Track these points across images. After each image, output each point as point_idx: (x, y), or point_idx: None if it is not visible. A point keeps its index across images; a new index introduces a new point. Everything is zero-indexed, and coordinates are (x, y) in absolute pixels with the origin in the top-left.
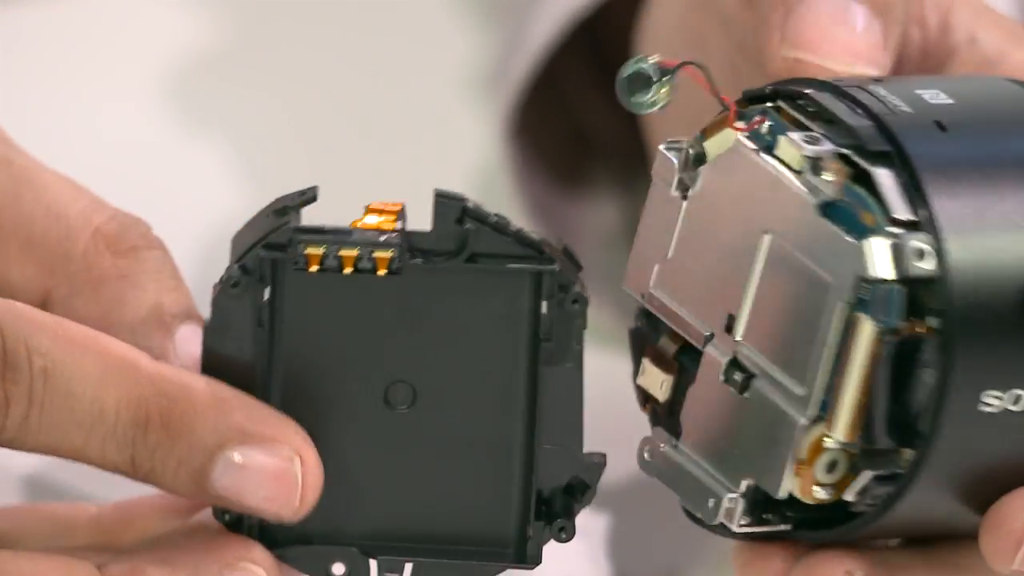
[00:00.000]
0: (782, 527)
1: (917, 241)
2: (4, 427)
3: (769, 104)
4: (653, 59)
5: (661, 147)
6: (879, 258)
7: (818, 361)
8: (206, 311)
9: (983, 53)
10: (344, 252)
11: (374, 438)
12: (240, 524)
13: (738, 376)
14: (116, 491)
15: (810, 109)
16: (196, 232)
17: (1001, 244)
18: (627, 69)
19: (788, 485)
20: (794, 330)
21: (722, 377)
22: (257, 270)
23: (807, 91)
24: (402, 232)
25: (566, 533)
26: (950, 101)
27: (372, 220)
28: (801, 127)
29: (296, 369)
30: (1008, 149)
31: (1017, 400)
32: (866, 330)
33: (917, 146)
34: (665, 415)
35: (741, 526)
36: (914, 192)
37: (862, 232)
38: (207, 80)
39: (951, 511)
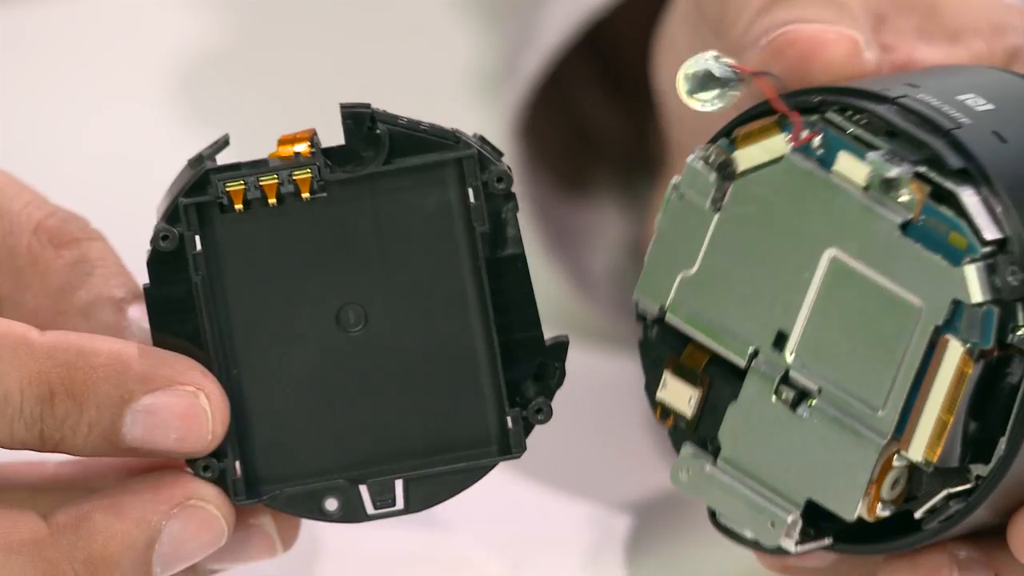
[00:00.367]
0: (825, 541)
1: (1009, 261)
2: None
3: (816, 115)
4: (724, 60)
5: (690, 159)
6: (980, 283)
7: (898, 381)
8: None
9: None
10: (264, 181)
11: (336, 365)
12: (224, 479)
13: (790, 394)
14: None
15: (860, 120)
16: None
17: None
18: (692, 65)
19: (862, 506)
20: (865, 349)
21: (772, 395)
22: (183, 220)
23: (860, 102)
24: (317, 151)
25: (542, 414)
26: (991, 106)
27: (286, 150)
28: (857, 140)
29: (245, 312)
30: None
31: None
32: (955, 351)
33: (991, 162)
34: (691, 430)
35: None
36: (994, 209)
37: (954, 255)
38: (209, 80)
39: (996, 514)
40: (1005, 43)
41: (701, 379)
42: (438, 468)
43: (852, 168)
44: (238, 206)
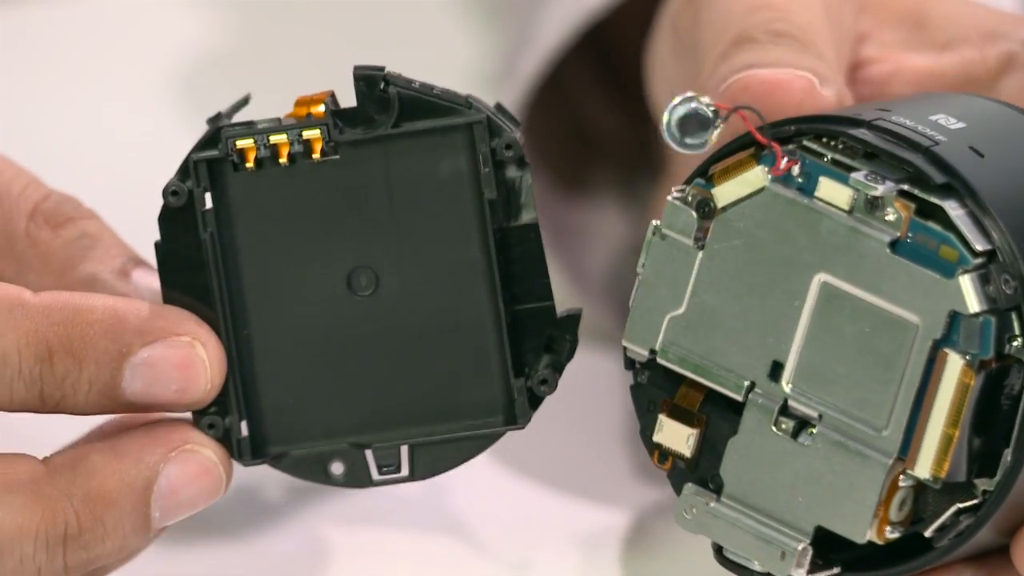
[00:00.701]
0: (835, 570)
1: (1001, 270)
2: None
3: (792, 144)
4: (704, 100)
5: (670, 198)
6: (976, 293)
7: (900, 400)
8: None
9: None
10: (274, 139)
11: (345, 328)
12: (228, 437)
13: (790, 423)
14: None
15: (836, 145)
16: None
17: None
18: (679, 110)
19: (871, 529)
20: (863, 370)
21: (772, 426)
22: (194, 175)
23: (835, 127)
24: (329, 111)
25: (547, 385)
26: (963, 124)
27: (302, 110)
28: (837, 164)
29: (256, 272)
30: None
31: None
32: (955, 364)
33: (973, 176)
34: (691, 470)
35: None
36: (981, 221)
37: (946, 268)
38: (209, 79)
39: (1000, 533)
40: (998, 50)
41: (697, 418)
42: (444, 435)
43: (834, 192)
44: (249, 164)
